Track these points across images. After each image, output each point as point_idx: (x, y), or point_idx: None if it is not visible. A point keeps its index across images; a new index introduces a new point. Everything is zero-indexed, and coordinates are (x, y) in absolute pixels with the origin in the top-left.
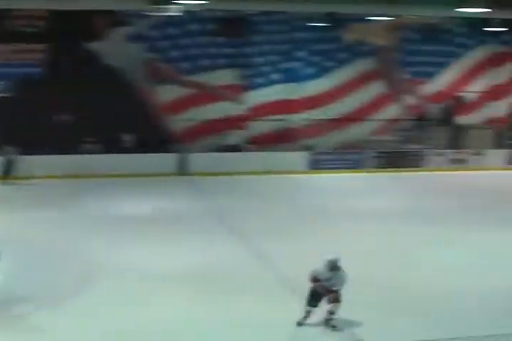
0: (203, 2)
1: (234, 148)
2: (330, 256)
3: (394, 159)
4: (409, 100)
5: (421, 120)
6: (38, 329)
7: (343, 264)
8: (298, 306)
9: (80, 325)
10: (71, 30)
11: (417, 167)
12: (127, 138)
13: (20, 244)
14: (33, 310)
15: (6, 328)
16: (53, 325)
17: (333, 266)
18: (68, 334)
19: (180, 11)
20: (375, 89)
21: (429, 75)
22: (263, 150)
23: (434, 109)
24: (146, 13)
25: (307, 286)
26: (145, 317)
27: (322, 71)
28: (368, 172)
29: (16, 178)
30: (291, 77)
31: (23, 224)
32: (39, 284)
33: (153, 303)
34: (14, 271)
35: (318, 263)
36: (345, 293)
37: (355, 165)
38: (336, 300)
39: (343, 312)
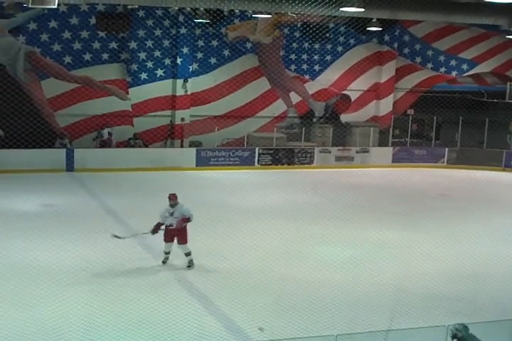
0: None
1: (121, 144)
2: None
3: (280, 156)
4: (294, 97)
5: (306, 117)
6: None
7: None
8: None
9: None
10: None
11: (303, 164)
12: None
13: None
14: None
15: None
16: None
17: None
18: None
19: (58, 4)
20: (259, 86)
21: (313, 73)
22: (150, 147)
23: (319, 107)
24: (25, 5)
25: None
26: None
27: (205, 68)
28: (254, 169)
29: None
30: (175, 73)
31: None
32: None
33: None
34: None
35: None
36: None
37: (242, 162)
38: None
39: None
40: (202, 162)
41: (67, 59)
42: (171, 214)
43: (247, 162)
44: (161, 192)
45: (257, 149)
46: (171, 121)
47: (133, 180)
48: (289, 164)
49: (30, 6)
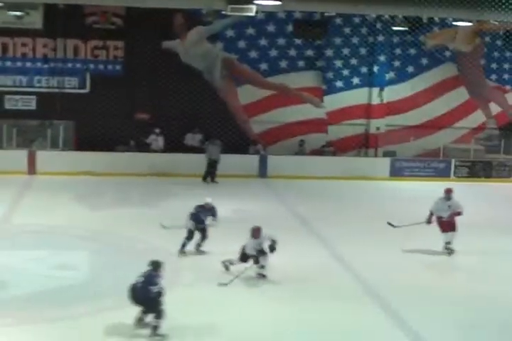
0: (278, 3)
1: (313, 152)
2: None
3: (477, 169)
4: (494, 108)
5: (506, 129)
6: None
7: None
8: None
9: None
10: (148, 28)
11: (501, 177)
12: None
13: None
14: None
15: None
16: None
17: None
18: None
19: (256, 12)
20: (457, 96)
21: None
22: (343, 155)
23: None
24: (224, 13)
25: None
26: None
27: (402, 76)
28: (450, 181)
29: None
30: (371, 81)
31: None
32: None
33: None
34: None
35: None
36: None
37: (437, 174)
38: None
39: None
40: (396, 172)
41: (264, 66)
42: (449, 207)
43: (442, 174)
44: (353, 201)
45: (453, 161)
46: (365, 130)
47: (324, 188)
48: (486, 177)
49: (229, 13)
